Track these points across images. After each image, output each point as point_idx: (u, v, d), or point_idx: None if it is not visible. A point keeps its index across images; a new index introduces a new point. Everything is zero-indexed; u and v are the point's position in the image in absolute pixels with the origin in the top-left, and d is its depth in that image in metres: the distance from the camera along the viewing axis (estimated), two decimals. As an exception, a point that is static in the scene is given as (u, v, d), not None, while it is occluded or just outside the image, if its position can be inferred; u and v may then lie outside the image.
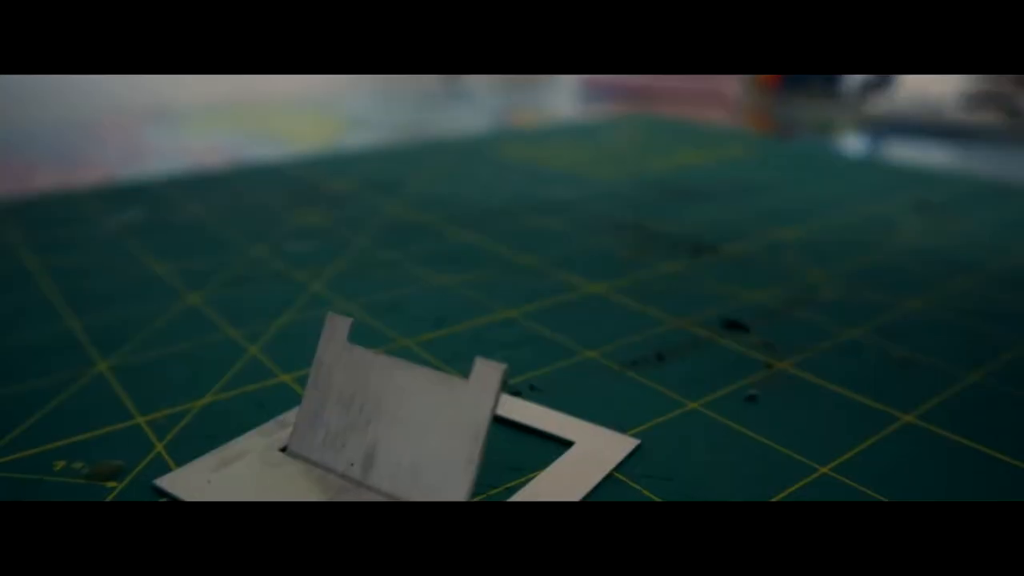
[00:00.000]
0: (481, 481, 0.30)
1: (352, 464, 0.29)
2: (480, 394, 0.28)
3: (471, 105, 1.20)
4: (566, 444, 0.32)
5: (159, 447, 0.32)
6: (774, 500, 0.30)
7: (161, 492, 0.29)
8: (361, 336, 0.42)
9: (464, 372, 0.29)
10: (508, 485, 0.30)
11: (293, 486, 0.29)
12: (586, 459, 0.31)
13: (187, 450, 0.32)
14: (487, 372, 0.28)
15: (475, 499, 0.29)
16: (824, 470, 0.31)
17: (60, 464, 0.31)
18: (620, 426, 0.34)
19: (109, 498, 0.29)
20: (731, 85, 1.48)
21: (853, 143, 0.94)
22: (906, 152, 0.84)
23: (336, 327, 0.31)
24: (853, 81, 1.42)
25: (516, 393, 0.36)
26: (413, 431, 0.29)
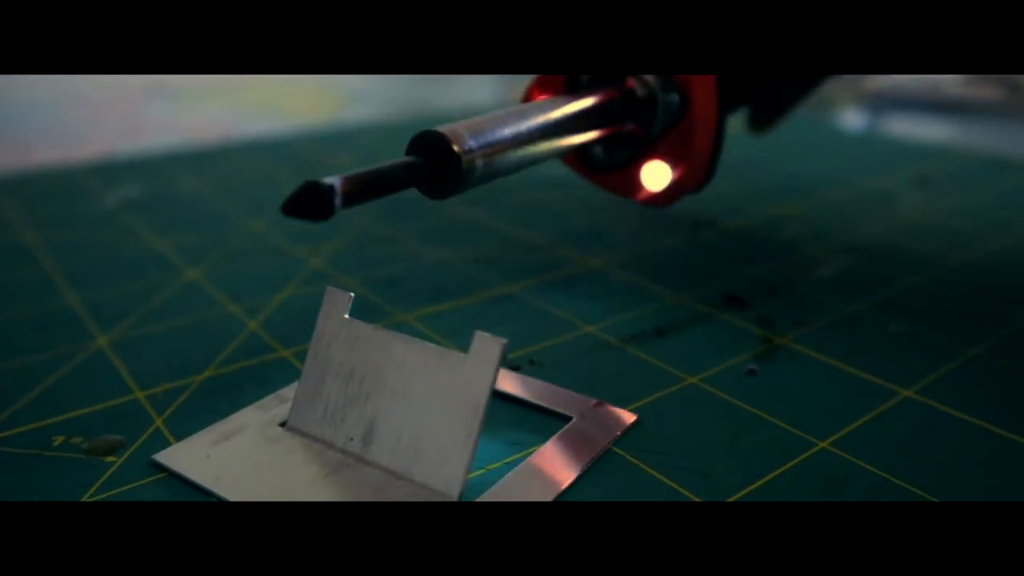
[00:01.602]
0: (480, 456, 0.30)
1: (352, 439, 0.29)
2: (479, 368, 0.28)
3: (470, 79, 1.20)
4: (565, 419, 0.32)
5: (158, 422, 0.32)
6: (773, 475, 0.30)
7: (160, 467, 0.29)
8: (360, 311, 0.41)
9: (463, 347, 0.29)
10: (507, 460, 0.30)
11: (292, 460, 0.29)
12: (585, 433, 0.31)
13: (186, 425, 0.32)
14: (487, 346, 0.28)
15: (474, 474, 0.29)
16: (823, 444, 0.31)
17: (59, 439, 0.31)
18: (619, 401, 0.34)
19: (108, 473, 0.29)
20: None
21: (852, 118, 0.93)
22: (905, 127, 0.84)
23: (336, 302, 0.31)
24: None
25: (515, 368, 0.36)
26: (413, 405, 0.29)
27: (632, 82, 0.39)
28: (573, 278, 0.45)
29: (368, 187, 0.27)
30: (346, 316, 0.31)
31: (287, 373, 0.36)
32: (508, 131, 0.33)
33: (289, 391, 0.33)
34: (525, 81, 0.44)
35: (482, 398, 0.27)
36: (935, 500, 0.28)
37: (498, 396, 0.34)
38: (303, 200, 0.25)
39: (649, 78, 0.39)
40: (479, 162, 0.32)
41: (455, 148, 0.31)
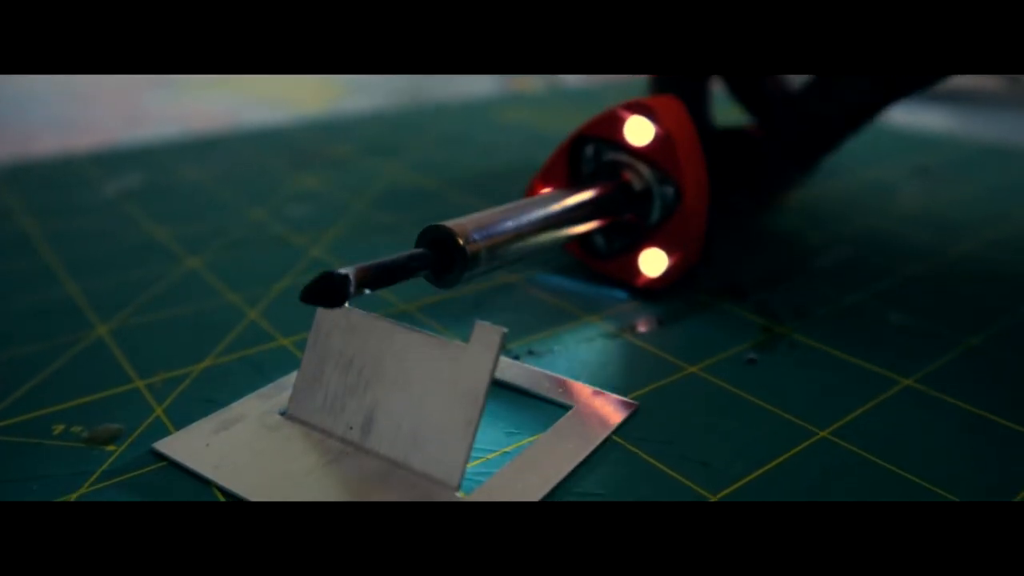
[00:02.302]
0: (479, 445, 0.30)
1: (351, 427, 0.29)
2: (479, 357, 0.28)
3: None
4: (565, 407, 0.32)
5: (158, 411, 0.32)
6: (773, 464, 0.30)
7: (160, 456, 0.29)
8: (360, 300, 0.41)
9: (463, 336, 0.29)
10: (506, 449, 0.30)
11: (292, 449, 0.29)
12: (585, 422, 0.31)
13: (186, 414, 0.32)
14: (486, 335, 0.28)
15: (473, 463, 0.29)
16: (824, 434, 0.31)
17: (59, 428, 0.31)
18: (619, 389, 0.34)
19: (108, 462, 0.29)
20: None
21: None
22: (904, 116, 0.84)
23: (335, 291, 0.31)
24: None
25: (515, 357, 0.36)
26: (412, 394, 0.29)
27: (628, 175, 0.41)
28: (573, 267, 0.45)
29: (379, 278, 0.29)
30: (346, 305, 0.31)
31: (287, 362, 0.36)
32: (510, 224, 0.35)
33: (289, 380, 0.33)
34: (522, 77, 0.45)
35: (482, 387, 0.27)
36: (936, 490, 0.28)
37: (498, 385, 0.34)
38: (320, 288, 0.26)
39: (645, 172, 0.41)
40: (483, 253, 0.33)
41: (460, 241, 0.32)
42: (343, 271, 0.27)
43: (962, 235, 0.52)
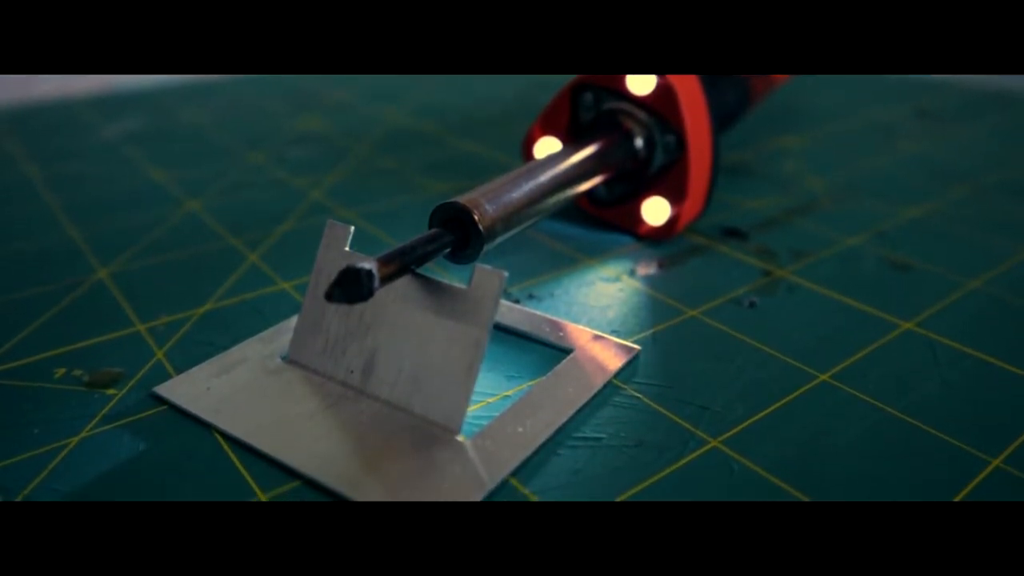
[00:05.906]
0: (480, 388, 0.30)
1: (352, 371, 0.29)
2: (480, 301, 0.28)
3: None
4: (565, 351, 0.32)
5: (159, 354, 0.32)
6: (773, 408, 0.30)
7: (160, 399, 0.29)
8: (361, 244, 0.41)
9: (464, 280, 0.29)
10: (506, 393, 0.30)
11: (292, 393, 0.29)
12: (586, 366, 0.31)
13: (187, 357, 0.32)
14: (487, 279, 0.28)
15: (473, 407, 0.29)
16: (824, 377, 0.32)
17: (60, 372, 0.31)
18: (619, 333, 0.34)
19: (109, 405, 0.29)
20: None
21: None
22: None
23: (336, 235, 0.31)
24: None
25: (515, 301, 0.36)
26: (413, 339, 0.29)
27: (629, 124, 0.41)
28: (573, 210, 0.45)
29: (402, 267, 0.28)
30: (347, 249, 0.31)
31: (287, 306, 0.36)
32: (521, 192, 0.35)
33: (289, 324, 0.33)
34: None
35: (483, 331, 0.27)
36: (937, 433, 0.29)
37: (498, 329, 0.34)
38: (344, 285, 0.26)
39: (646, 120, 0.41)
40: (499, 226, 0.33)
41: (475, 216, 0.32)
42: (366, 265, 0.26)
43: (962, 178, 0.52)
